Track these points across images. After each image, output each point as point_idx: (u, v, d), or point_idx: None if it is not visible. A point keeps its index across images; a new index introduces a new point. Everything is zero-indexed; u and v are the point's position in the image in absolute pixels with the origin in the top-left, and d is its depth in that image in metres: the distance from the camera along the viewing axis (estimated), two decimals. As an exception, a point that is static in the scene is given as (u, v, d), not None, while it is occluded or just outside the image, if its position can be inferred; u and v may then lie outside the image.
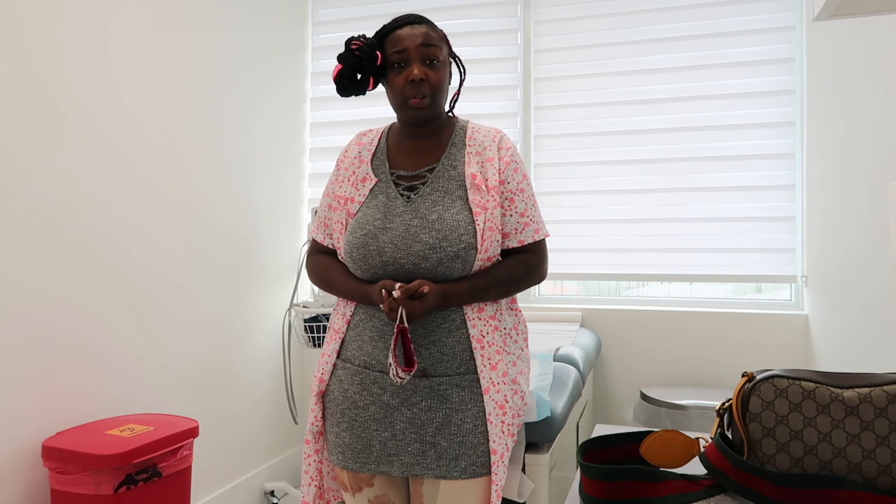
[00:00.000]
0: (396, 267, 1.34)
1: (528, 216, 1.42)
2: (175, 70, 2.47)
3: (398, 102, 1.40)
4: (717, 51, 2.87)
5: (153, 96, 2.37)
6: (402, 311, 1.28)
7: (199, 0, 2.59)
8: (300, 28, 3.32)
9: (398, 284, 1.28)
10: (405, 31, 1.38)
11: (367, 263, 1.37)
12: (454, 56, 1.48)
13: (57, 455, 1.83)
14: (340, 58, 1.40)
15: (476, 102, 3.17)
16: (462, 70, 1.51)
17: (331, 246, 1.50)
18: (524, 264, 1.41)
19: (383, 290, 1.30)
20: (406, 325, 1.28)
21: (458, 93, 1.54)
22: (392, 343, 1.29)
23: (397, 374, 1.27)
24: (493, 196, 1.37)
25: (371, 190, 1.43)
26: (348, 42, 1.39)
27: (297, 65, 3.29)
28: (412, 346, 1.32)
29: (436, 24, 3.19)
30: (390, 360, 1.28)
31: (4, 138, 1.85)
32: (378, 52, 1.40)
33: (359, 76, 1.42)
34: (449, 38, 3.18)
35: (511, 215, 1.40)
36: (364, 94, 1.45)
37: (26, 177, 1.91)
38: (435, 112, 1.41)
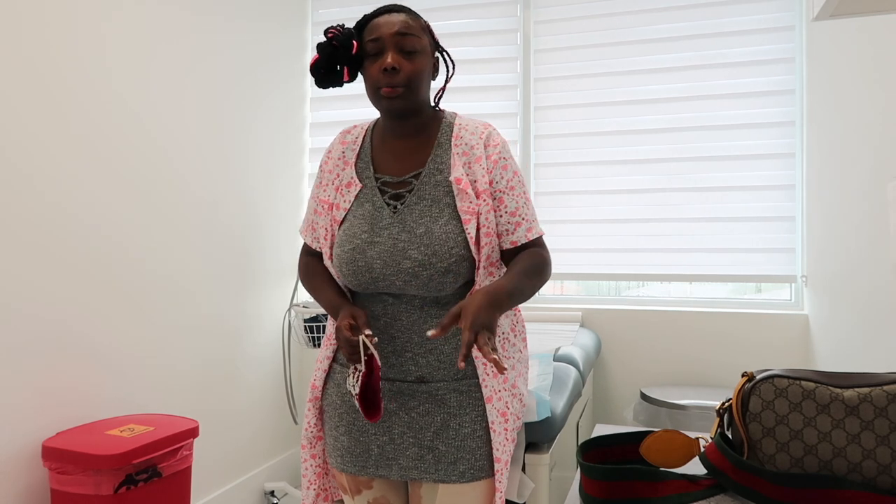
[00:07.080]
0: (387, 283, 1.31)
1: (519, 215, 1.34)
2: (176, 70, 2.47)
3: (372, 92, 1.34)
4: (717, 51, 2.87)
5: (154, 96, 2.37)
6: (362, 340, 1.23)
7: (199, 1, 2.59)
8: (300, 28, 3.32)
9: (367, 331, 1.24)
10: (382, 19, 1.32)
11: (357, 279, 1.33)
12: (440, 48, 1.42)
13: (57, 455, 1.83)
14: (318, 47, 1.35)
15: (476, 102, 3.17)
16: (449, 64, 1.44)
17: (318, 249, 1.48)
18: (538, 255, 1.34)
19: (349, 323, 1.25)
20: (375, 354, 1.24)
21: (443, 88, 1.47)
22: (358, 382, 1.25)
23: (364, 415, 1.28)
24: (484, 200, 1.31)
25: (356, 196, 1.38)
26: (325, 31, 1.34)
27: (297, 65, 3.29)
28: (381, 388, 1.28)
29: (435, 23, 3.22)
30: (356, 398, 1.26)
31: (5, 138, 1.85)
32: (355, 42, 1.34)
33: (338, 67, 1.36)
34: (449, 37, 3.20)
35: (501, 215, 1.34)
36: (341, 85, 1.39)
37: (27, 176, 1.91)
38: (411, 104, 1.34)
